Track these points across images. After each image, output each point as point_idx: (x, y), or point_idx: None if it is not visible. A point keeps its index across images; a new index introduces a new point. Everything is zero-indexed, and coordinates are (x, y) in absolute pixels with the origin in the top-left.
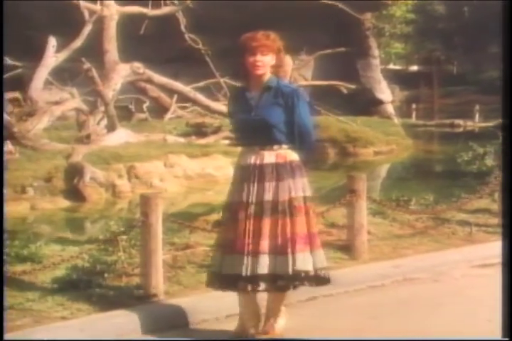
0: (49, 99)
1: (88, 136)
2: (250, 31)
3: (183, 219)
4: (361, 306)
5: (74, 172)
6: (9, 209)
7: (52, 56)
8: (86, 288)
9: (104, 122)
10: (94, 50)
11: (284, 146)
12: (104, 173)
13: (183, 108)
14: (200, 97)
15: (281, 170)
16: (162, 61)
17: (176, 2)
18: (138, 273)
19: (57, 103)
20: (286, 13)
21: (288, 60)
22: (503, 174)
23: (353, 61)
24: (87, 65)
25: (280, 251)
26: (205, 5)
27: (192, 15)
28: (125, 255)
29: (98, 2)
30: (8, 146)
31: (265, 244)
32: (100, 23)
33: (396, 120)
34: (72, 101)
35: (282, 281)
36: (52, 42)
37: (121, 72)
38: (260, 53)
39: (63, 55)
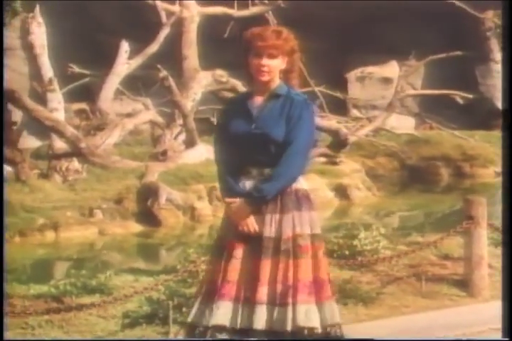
0: (120, 111)
1: (164, 153)
2: (351, 33)
3: None
4: None
5: (148, 193)
6: (75, 234)
7: (125, 63)
8: (162, 323)
9: (183, 137)
10: (172, 56)
11: None
12: (181, 195)
13: None
14: None
15: (285, 200)
16: None
17: (265, 1)
18: None
19: (129, 115)
20: (391, 12)
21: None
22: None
23: (471, 67)
24: (163, 73)
25: (279, 301)
26: (299, 4)
27: (284, 16)
28: None
29: (177, 2)
30: (74, 164)
31: (263, 291)
32: (179, 25)
33: None
34: (146, 113)
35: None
36: (125, 47)
37: (202, 81)
38: (267, 56)
39: (137, 62)
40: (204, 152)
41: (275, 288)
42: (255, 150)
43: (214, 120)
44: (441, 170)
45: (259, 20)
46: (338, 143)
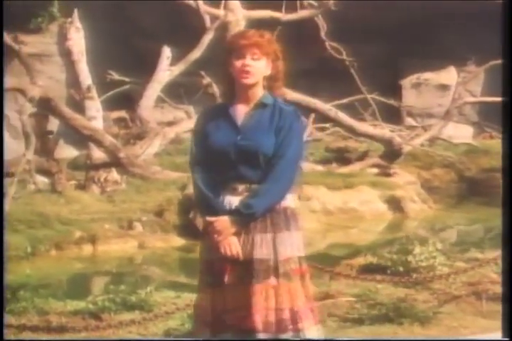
0: (161, 119)
1: None
2: (407, 37)
3: (322, 263)
4: None
5: (190, 205)
6: (114, 247)
7: (166, 69)
8: None
9: None
10: (216, 62)
11: None
12: None
13: (322, 129)
14: (343, 117)
15: (276, 219)
16: (297, 74)
17: (315, 4)
18: None
19: (170, 124)
20: (450, 15)
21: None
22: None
23: None
24: (206, 80)
25: (278, 329)
26: (351, 6)
27: (334, 20)
28: None
29: (221, 6)
30: (113, 175)
31: (257, 319)
32: (223, 30)
33: None
34: (188, 121)
35: None
36: (167, 52)
37: None
38: (251, 55)
39: (179, 68)
40: None
41: (273, 315)
42: (241, 163)
43: None
44: (502, 181)
45: (308, 24)
46: (392, 153)
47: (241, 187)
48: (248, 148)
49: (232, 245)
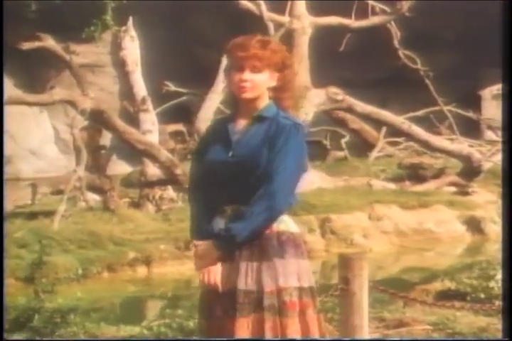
0: None
1: None
2: (487, 45)
3: (395, 288)
4: None
5: None
6: (170, 269)
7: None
8: None
9: None
10: None
11: None
12: None
13: (394, 144)
14: (417, 130)
15: (265, 245)
16: (367, 85)
17: (387, 9)
18: None
19: None
20: None
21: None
22: None
23: None
24: None
25: None
26: (427, 12)
27: (409, 26)
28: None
29: (286, 12)
30: (169, 192)
31: None
32: (288, 38)
33: None
34: None
35: None
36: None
37: (314, 99)
38: (250, 69)
39: None
40: (316, 179)
41: None
42: (231, 183)
43: (327, 143)
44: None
45: (380, 31)
46: (471, 171)
47: (230, 209)
48: (237, 165)
49: (211, 273)
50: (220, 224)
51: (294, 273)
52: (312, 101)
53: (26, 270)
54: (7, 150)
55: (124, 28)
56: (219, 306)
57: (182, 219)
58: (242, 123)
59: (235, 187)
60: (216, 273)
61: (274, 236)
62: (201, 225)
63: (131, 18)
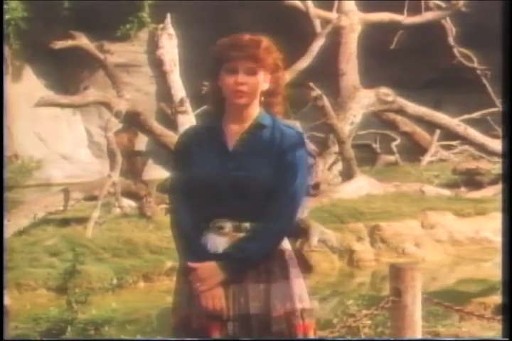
0: None
1: (316, 186)
2: None
3: (450, 301)
4: None
5: (297, 232)
6: None
7: None
8: None
9: (339, 167)
10: (327, 71)
11: None
12: (337, 235)
13: (449, 148)
14: (474, 133)
15: (270, 265)
16: (420, 85)
17: (442, 5)
18: None
19: None
20: None
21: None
22: None
23: None
24: (316, 92)
25: None
26: (484, 7)
27: (465, 23)
28: None
29: (334, 8)
30: None
31: None
32: (336, 35)
33: None
34: None
35: None
36: None
37: (363, 101)
38: (245, 70)
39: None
40: (365, 185)
41: None
42: (232, 197)
43: (377, 146)
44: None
45: (434, 27)
46: None
47: (229, 226)
48: (243, 179)
49: (216, 298)
50: (219, 243)
51: (296, 294)
52: (361, 103)
53: (58, 279)
54: (38, 154)
55: (161, 25)
56: (220, 333)
57: None
58: (235, 130)
59: (236, 202)
60: (221, 298)
61: (277, 255)
62: (194, 245)
63: (169, 16)
